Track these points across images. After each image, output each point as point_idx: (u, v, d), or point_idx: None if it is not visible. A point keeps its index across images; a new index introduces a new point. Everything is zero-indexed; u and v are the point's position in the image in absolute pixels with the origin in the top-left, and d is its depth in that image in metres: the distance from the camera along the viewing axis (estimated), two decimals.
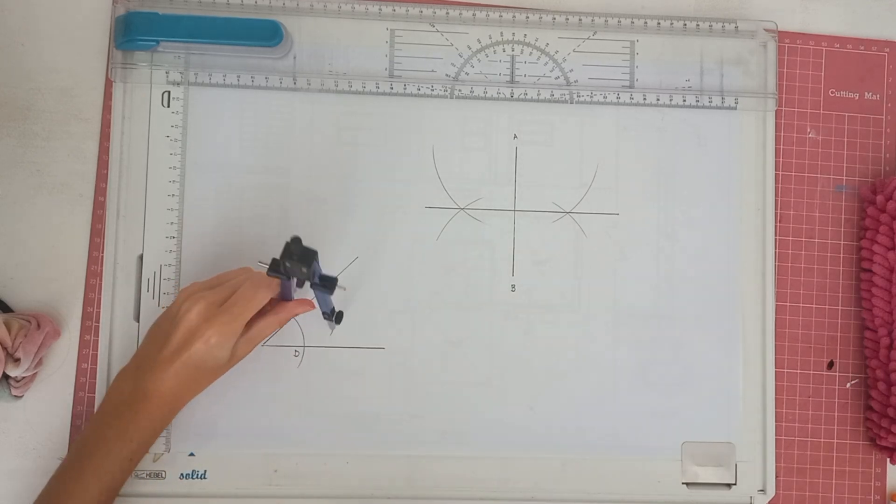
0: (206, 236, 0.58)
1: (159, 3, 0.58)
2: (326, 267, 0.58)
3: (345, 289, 0.56)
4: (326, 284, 0.51)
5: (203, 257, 0.58)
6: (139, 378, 0.50)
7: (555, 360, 0.59)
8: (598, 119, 0.61)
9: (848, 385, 0.61)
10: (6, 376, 0.54)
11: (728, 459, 0.59)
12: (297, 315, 0.54)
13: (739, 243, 0.60)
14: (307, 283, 0.51)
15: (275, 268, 0.48)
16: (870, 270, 0.60)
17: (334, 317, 0.56)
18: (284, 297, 0.53)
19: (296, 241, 0.47)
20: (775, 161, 0.61)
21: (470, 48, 0.60)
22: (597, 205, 0.60)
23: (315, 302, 0.55)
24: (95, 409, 0.52)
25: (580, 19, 0.61)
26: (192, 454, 0.57)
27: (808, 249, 0.62)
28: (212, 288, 0.52)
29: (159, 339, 0.51)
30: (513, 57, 0.60)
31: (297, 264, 0.47)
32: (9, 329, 0.53)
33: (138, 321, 0.57)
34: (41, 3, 0.59)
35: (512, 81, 0.60)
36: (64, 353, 0.58)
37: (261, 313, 0.52)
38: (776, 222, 0.61)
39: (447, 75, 0.60)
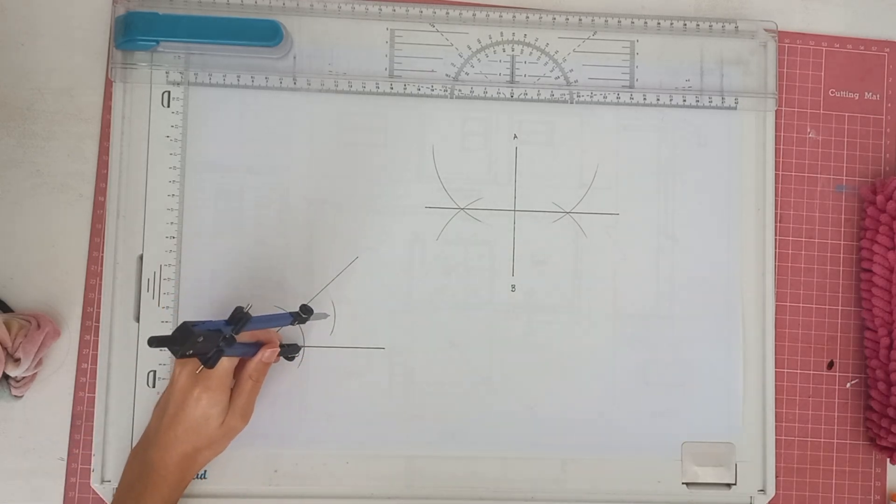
0: (206, 236, 0.58)
1: (159, 3, 0.58)
2: (325, 269, 0.58)
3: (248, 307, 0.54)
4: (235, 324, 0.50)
5: (203, 257, 0.58)
6: (146, 452, 0.52)
7: (555, 361, 0.59)
8: (598, 119, 0.61)
9: (848, 385, 0.61)
10: (6, 376, 0.54)
11: (728, 459, 0.59)
12: (269, 365, 0.53)
13: (739, 243, 0.60)
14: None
15: (210, 361, 0.48)
16: (870, 270, 0.60)
17: (302, 315, 0.54)
18: (245, 354, 0.52)
19: (151, 340, 0.46)
20: (775, 161, 0.61)
21: (470, 48, 0.60)
22: (597, 205, 0.60)
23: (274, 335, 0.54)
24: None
25: (580, 19, 0.61)
26: None
27: (808, 249, 0.62)
28: None
29: (160, 409, 0.53)
30: (513, 57, 0.60)
31: (198, 346, 0.46)
32: (9, 329, 0.53)
33: (138, 321, 0.57)
34: (41, 3, 0.59)
35: (512, 81, 0.60)
36: (64, 353, 0.58)
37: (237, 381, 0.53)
38: (776, 222, 0.61)
39: (447, 75, 0.60)
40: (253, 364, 0.52)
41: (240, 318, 0.49)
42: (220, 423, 0.52)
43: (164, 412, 0.52)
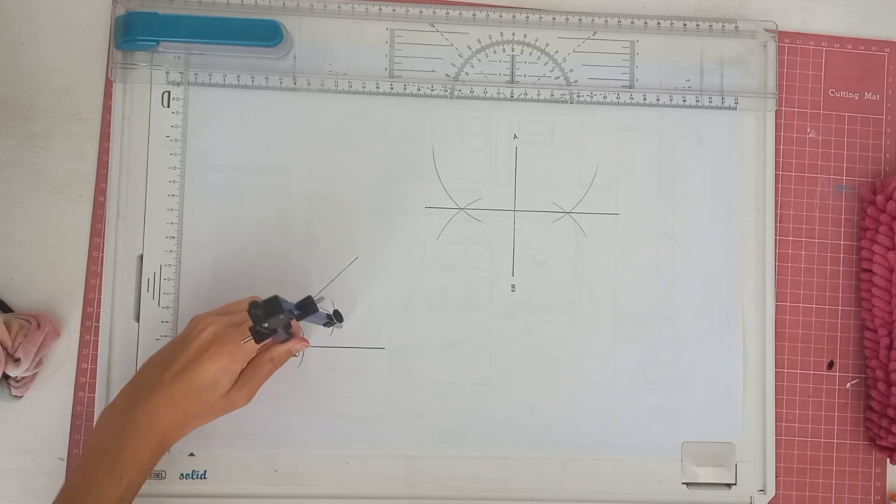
0: (206, 236, 0.58)
1: (159, 3, 0.58)
2: (326, 269, 0.58)
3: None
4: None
5: (203, 257, 0.58)
6: (130, 410, 0.48)
7: (555, 361, 0.59)
8: (598, 119, 0.61)
9: (848, 385, 0.61)
10: (6, 376, 0.54)
11: (728, 459, 0.59)
12: (293, 355, 0.54)
13: (739, 243, 0.60)
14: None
15: (260, 338, 0.48)
16: (870, 270, 0.60)
17: (335, 319, 0.56)
18: (277, 339, 0.53)
19: (254, 304, 0.47)
20: (775, 161, 0.61)
21: (470, 48, 0.60)
22: (597, 205, 0.60)
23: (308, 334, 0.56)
24: (80, 450, 0.50)
25: (580, 19, 0.61)
26: (192, 454, 0.57)
27: (808, 249, 0.62)
28: (223, 310, 0.53)
29: (162, 364, 0.50)
30: (513, 57, 0.60)
31: (272, 321, 0.47)
32: (9, 329, 0.53)
33: (138, 321, 0.57)
34: (41, 3, 0.59)
35: (512, 81, 0.60)
36: (64, 353, 0.58)
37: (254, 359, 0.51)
38: (776, 222, 0.61)
39: (447, 75, 0.60)
40: (281, 350, 0.52)
41: (308, 306, 0.50)
42: (224, 394, 0.49)
43: (167, 368, 0.49)
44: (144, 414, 0.48)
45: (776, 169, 0.61)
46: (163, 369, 0.49)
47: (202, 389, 0.49)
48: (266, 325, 0.47)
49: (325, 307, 0.58)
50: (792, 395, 0.61)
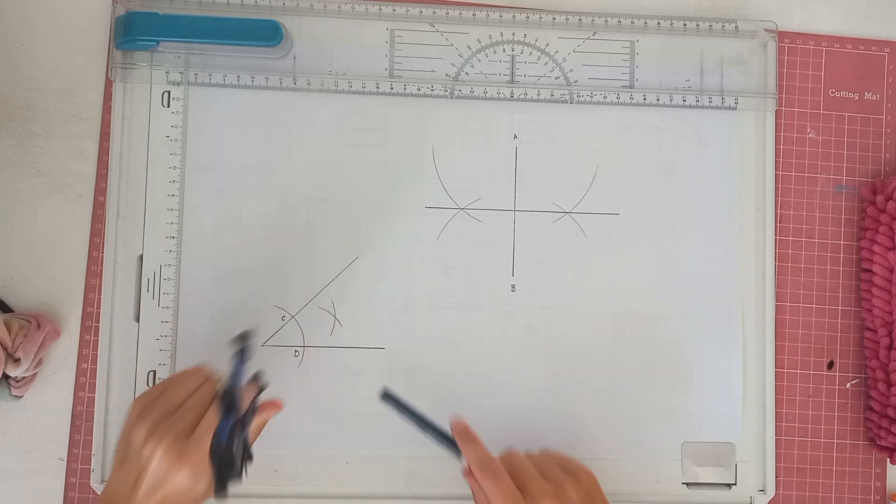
0: (206, 236, 0.58)
1: (159, 3, 0.58)
2: (326, 269, 0.58)
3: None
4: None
5: (203, 257, 0.58)
6: None
7: (555, 361, 0.59)
8: (598, 119, 0.61)
9: (848, 385, 0.61)
10: (6, 376, 0.54)
11: (728, 459, 0.59)
12: (264, 425, 0.51)
13: (739, 243, 0.60)
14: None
15: (217, 449, 0.47)
16: (870, 270, 0.60)
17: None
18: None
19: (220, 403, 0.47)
20: (775, 161, 0.61)
21: (470, 48, 0.60)
22: (597, 205, 0.60)
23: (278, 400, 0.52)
24: None
25: (580, 19, 0.61)
26: None
27: (808, 249, 0.62)
28: (165, 406, 0.47)
29: (129, 479, 0.45)
30: (513, 57, 0.60)
31: (235, 409, 0.47)
32: (9, 329, 0.53)
33: (138, 321, 0.57)
34: (41, 3, 0.59)
35: (512, 81, 0.60)
36: (64, 353, 0.58)
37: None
38: (776, 222, 0.61)
39: (447, 75, 0.60)
40: (256, 424, 0.49)
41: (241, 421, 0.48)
42: (206, 488, 0.46)
43: (136, 485, 0.45)
44: None
45: (776, 169, 0.61)
46: (132, 486, 0.45)
47: (182, 500, 0.46)
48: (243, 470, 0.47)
49: (327, 308, 0.58)
50: (792, 395, 0.61)
